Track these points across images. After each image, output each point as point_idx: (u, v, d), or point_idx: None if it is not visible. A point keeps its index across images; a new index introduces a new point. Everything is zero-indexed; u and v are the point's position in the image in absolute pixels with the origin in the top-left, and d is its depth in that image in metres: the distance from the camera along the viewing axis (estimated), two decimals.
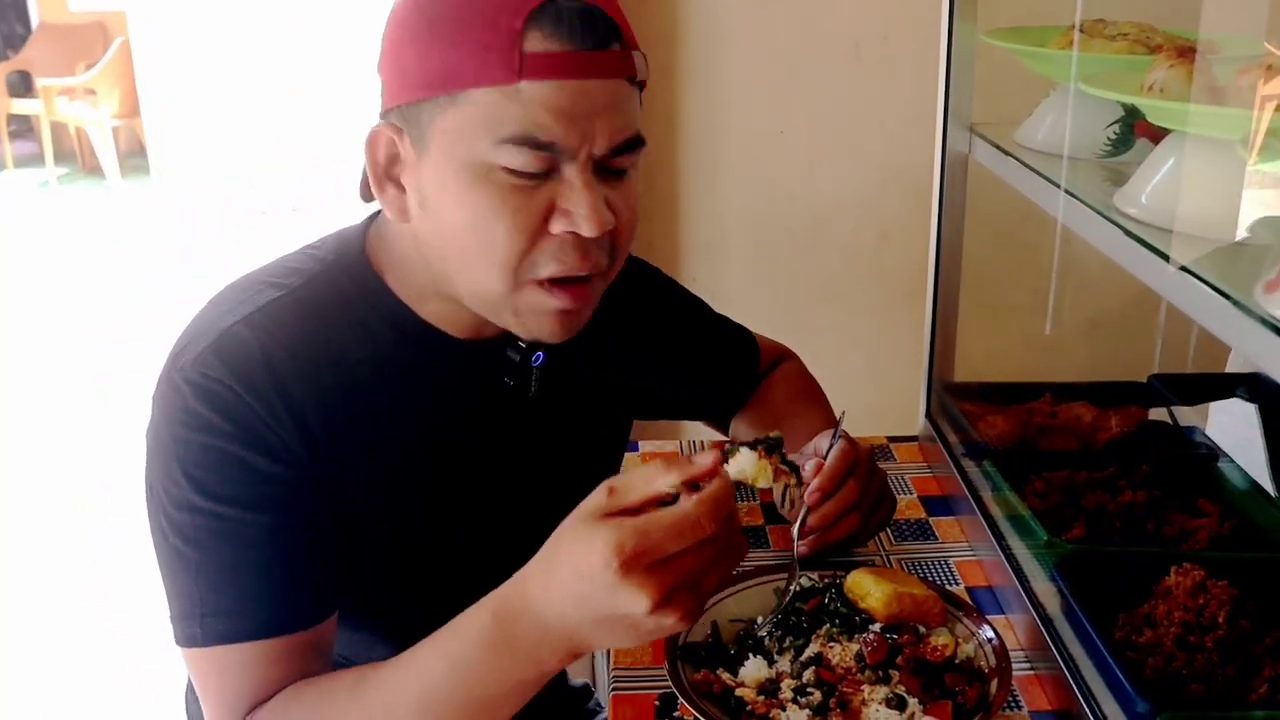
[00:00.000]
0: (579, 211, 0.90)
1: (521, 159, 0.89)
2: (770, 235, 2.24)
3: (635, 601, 0.78)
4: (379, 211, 1.04)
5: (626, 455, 1.53)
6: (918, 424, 1.60)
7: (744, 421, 1.40)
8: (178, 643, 0.95)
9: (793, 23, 2.07)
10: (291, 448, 0.93)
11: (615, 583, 0.78)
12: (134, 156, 7.51)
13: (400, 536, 1.03)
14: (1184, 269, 0.87)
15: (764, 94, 2.11)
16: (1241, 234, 0.86)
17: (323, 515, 0.97)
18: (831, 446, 1.14)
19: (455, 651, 0.87)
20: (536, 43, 0.87)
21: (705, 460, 0.82)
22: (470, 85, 0.88)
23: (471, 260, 0.93)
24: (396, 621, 1.05)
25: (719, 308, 1.40)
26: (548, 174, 0.90)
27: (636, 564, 0.78)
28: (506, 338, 1.04)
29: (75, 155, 7.76)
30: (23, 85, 7.83)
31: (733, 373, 1.39)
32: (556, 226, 0.92)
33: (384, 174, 0.95)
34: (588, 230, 0.91)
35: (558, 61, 0.88)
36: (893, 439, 1.60)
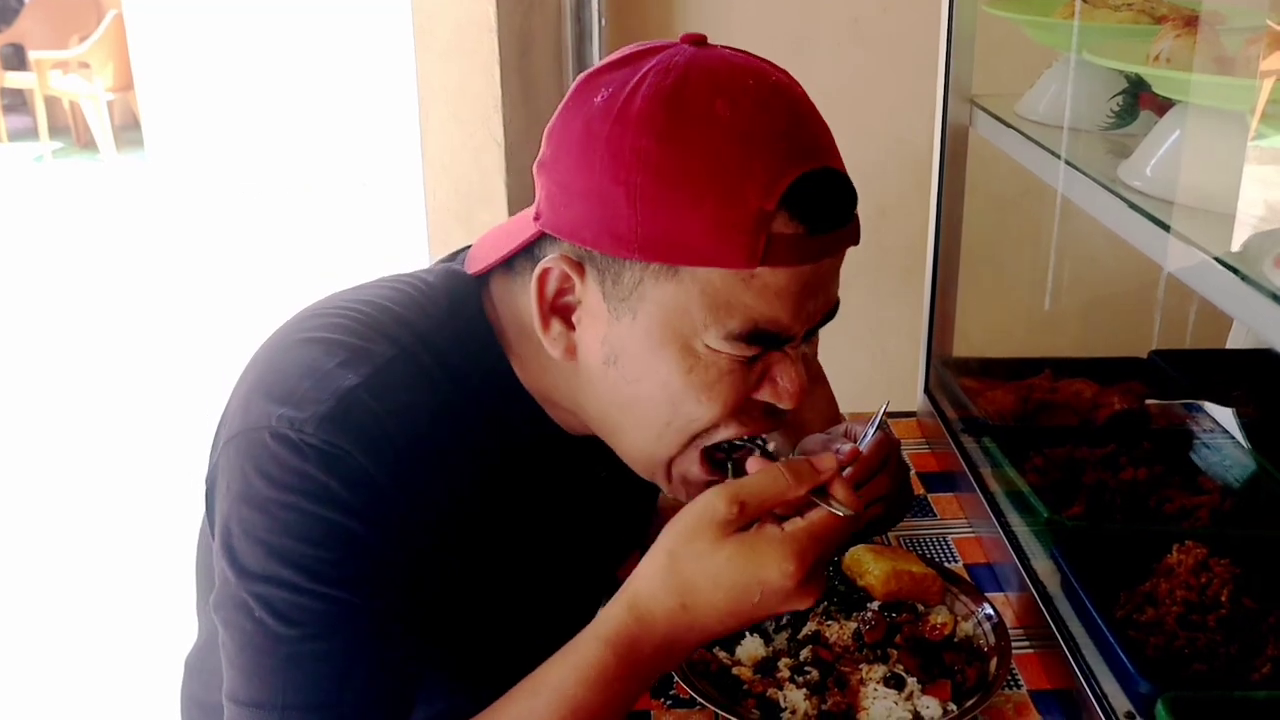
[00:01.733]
0: (787, 388, 0.83)
1: (746, 351, 0.81)
2: None
3: (804, 601, 0.80)
4: (494, 266, 0.91)
5: None
6: (916, 400, 1.59)
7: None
8: None
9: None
10: (411, 526, 0.84)
11: (792, 590, 0.79)
12: (129, 130, 7.47)
13: (478, 611, 0.96)
14: (1191, 243, 0.85)
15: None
16: (1252, 208, 0.84)
17: (418, 600, 0.87)
18: (868, 436, 1.08)
19: (577, 695, 0.82)
20: (784, 224, 0.77)
21: (826, 463, 0.82)
22: (700, 264, 0.77)
23: (653, 425, 0.85)
24: (457, 676, 0.98)
25: None
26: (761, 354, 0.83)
27: (814, 571, 0.80)
28: None
29: (69, 129, 7.72)
30: (16, 59, 7.77)
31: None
32: (761, 395, 0.84)
33: (550, 308, 0.84)
34: (790, 404, 0.84)
35: (802, 246, 0.77)
36: (890, 415, 1.58)
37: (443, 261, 0.97)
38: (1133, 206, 0.96)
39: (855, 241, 0.83)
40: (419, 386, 0.85)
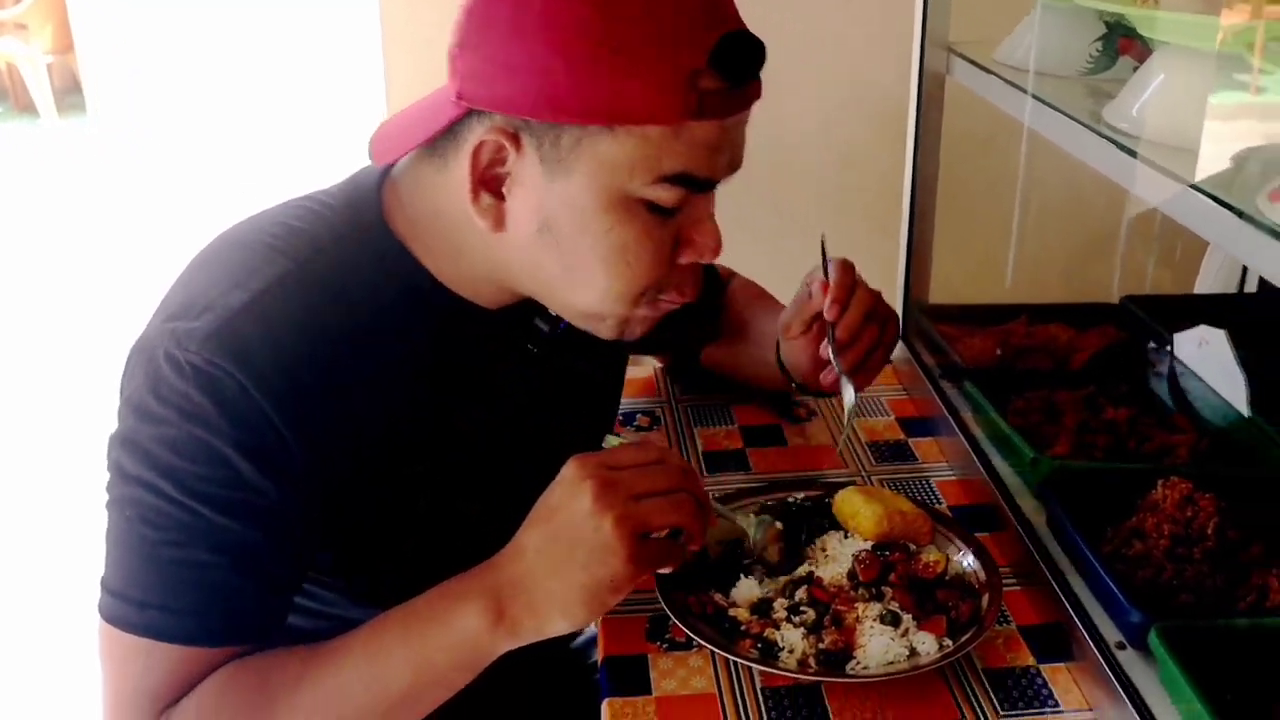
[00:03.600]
0: (706, 242, 0.91)
1: (673, 196, 0.86)
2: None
3: (579, 498, 0.83)
4: (389, 168, 0.97)
5: None
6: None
7: (722, 347, 1.41)
8: (103, 616, 0.88)
9: None
10: (289, 450, 0.86)
11: (570, 480, 0.85)
12: (70, 94, 7.32)
13: (402, 507, 0.98)
14: (1186, 182, 0.86)
15: None
16: (1254, 145, 0.86)
17: (306, 529, 0.91)
18: (827, 265, 1.13)
19: (404, 613, 0.88)
20: (710, 80, 0.83)
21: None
22: (639, 122, 0.83)
23: (595, 286, 0.90)
24: (377, 582, 1.01)
25: None
26: (681, 204, 0.88)
27: (589, 464, 0.85)
28: (530, 304, 1.00)
29: (7, 93, 7.53)
30: None
31: (706, 306, 1.38)
32: (684, 258, 0.92)
33: (480, 179, 0.88)
34: (712, 257, 0.92)
35: (725, 100, 0.85)
36: None
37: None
38: (1121, 147, 0.97)
39: (760, 95, 0.90)
40: (314, 302, 0.89)
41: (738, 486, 1.23)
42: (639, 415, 1.45)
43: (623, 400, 1.46)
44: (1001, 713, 0.96)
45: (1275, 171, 0.80)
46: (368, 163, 0.97)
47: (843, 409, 1.13)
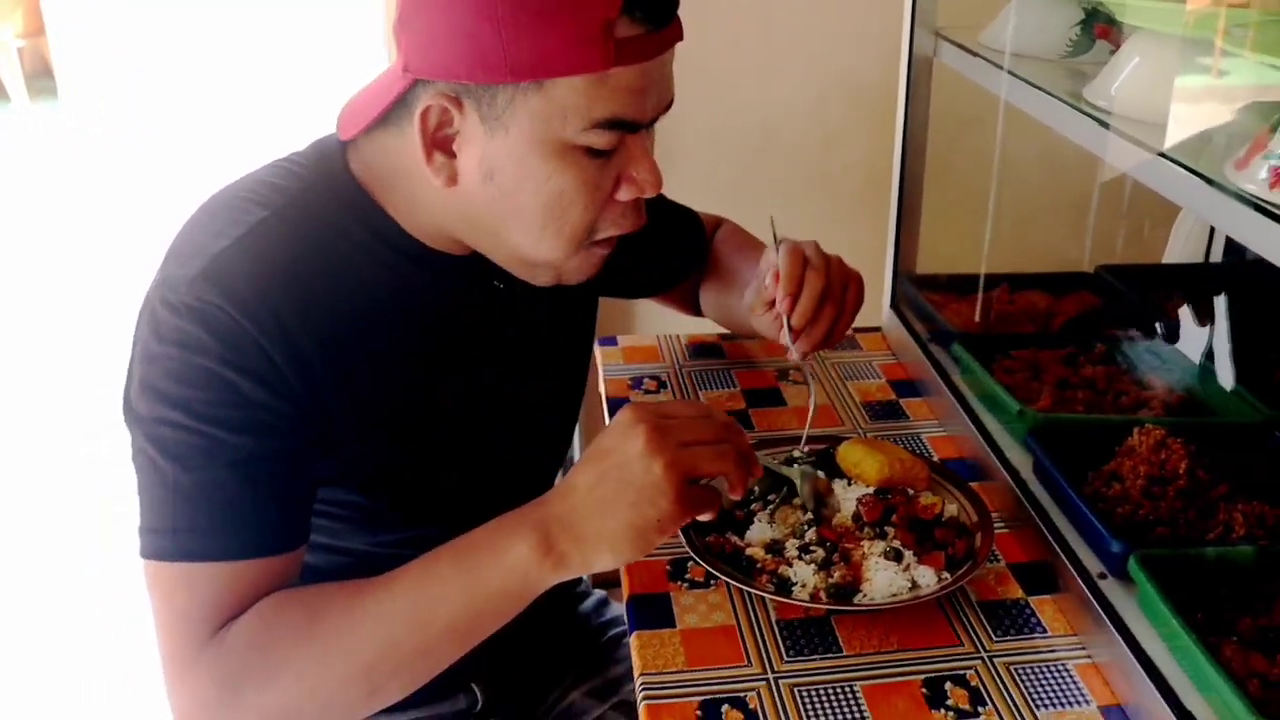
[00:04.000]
0: (645, 178, 0.98)
1: (605, 139, 0.93)
2: (719, 144, 2.30)
3: (633, 441, 0.90)
4: (371, 123, 1.03)
5: (606, 349, 1.62)
6: (879, 317, 1.70)
7: (709, 289, 1.49)
8: (143, 555, 0.95)
9: None
10: (282, 372, 0.95)
11: (625, 425, 0.91)
12: (40, 78, 7.29)
13: (390, 439, 1.06)
14: (1161, 154, 0.96)
15: (712, 4, 2.16)
16: (1220, 119, 0.95)
17: (306, 440, 0.98)
18: (777, 253, 1.20)
19: (457, 545, 0.94)
20: (624, 28, 0.89)
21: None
22: (563, 74, 0.89)
23: (541, 230, 0.97)
24: (374, 516, 1.10)
25: None
26: (616, 146, 0.95)
27: (644, 411, 0.92)
28: None
29: None
30: None
31: (687, 248, 1.47)
32: (624, 194, 0.98)
33: (432, 142, 0.95)
34: (654, 191, 0.99)
35: (643, 44, 0.91)
36: (857, 330, 1.69)
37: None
38: (1102, 124, 1.07)
39: (680, 37, 0.97)
40: (290, 241, 0.98)
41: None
42: (646, 379, 1.54)
43: (630, 365, 1.56)
44: (995, 638, 1.06)
45: (1239, 143, 0.90)
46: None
47: (808, 391, 1.21)
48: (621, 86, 0.91)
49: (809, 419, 1.23)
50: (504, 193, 0.96)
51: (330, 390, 0.98)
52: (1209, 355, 1.40)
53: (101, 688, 2.44)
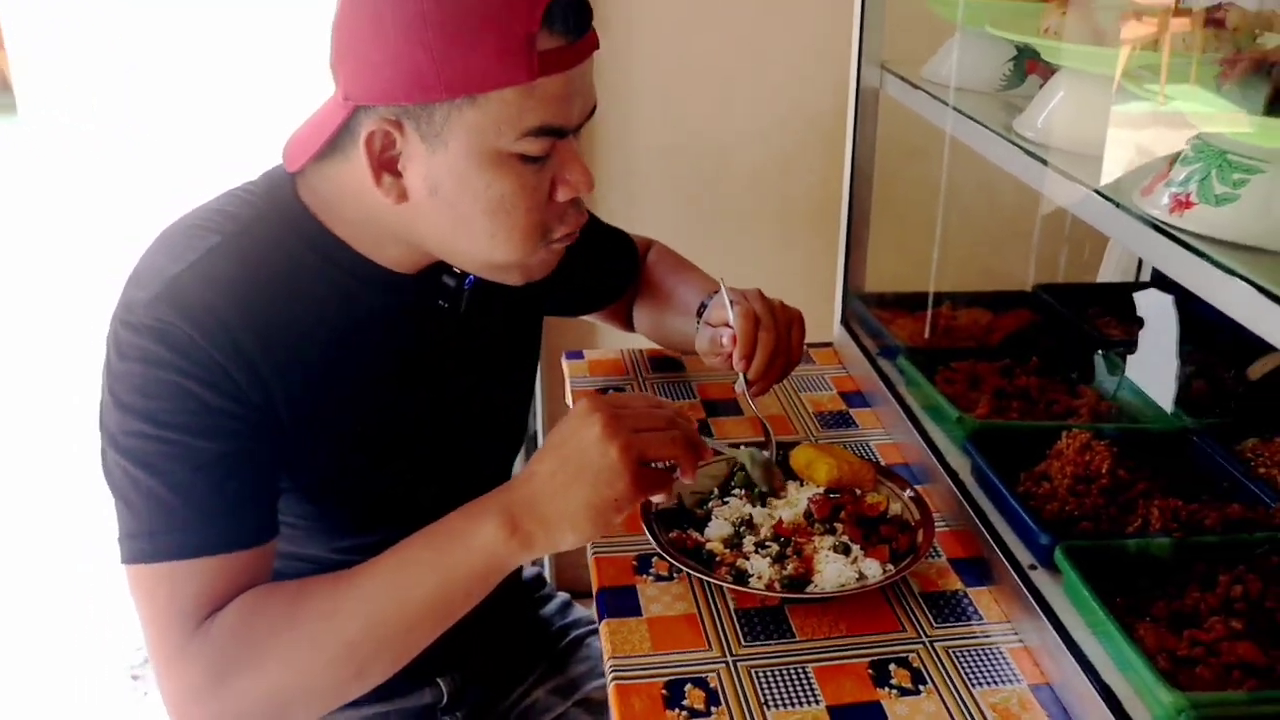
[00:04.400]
0: (578, 178, 1.05)
1: (537, 146, 1.00)
2: (679, 168, 2.40)
3: (589, 427, 0.99)
4: (318, 153, 1.09)
5: (573, 362, 1.70)
6: (831, 332, 1.80)
7: (643, 308, 1.58)
8: (123, 561, 1.00)
9: None
10: (239, 385, 1.01)
11: (581, 413, 1.00)
12: None
13: (341, 450, 1.13)
14: (1079, 181, 1.06)
15: (674, 34, 2.25)
16: (1130, 150, 1.06)
17: (265, 444, 1.04)
18: (731, 313, 1.31)
19: (427, 532, 1.02)
20: (546, 41, 0.96)
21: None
22: (493, 87, 0.96)
23: (491, 236, 1.04)
24: (332, 524, 1.17)
25: (633, 232, 1.59)
26: (548, 152, 1.03)
27: (599, 401, 1.01)
28: (440, 266, 1.15)
29: None
30: None
31: (621, 268, 1.56)
32: (562, 195, 1.06)
33: (379, 164, 1.02)
34: (588, 190, 1.06)
35: (563, 55, 0.98)
36: (810, 345, 1.79)
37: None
38: (1028, 153, 1.17)
39: (597, 45, 1.04)
40: (242, 264, 1.04)
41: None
42: (611, 390, 1.63)
43: (596, 377, 1.65)
44: (935, 625, 1.15)
45: (1146, 171, 1.00)
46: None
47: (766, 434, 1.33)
48: (548, 95, 0.98)
49: (769, 454, 1.32)
50: (449, 203, 1.02)
51: (283, 403, 1.05)
52: (1134, 368, 1.50)
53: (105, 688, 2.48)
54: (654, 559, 1.24)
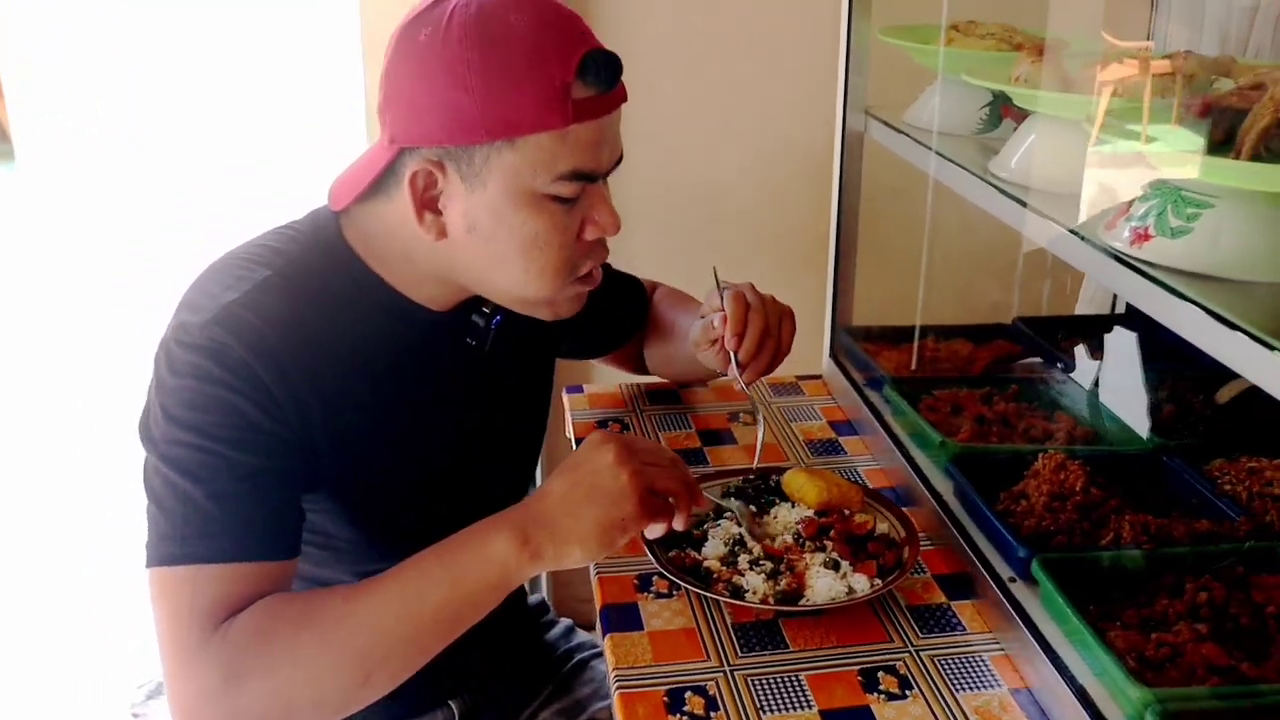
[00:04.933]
0: (606, 220, 1.14)
1: (569, 189, 1.09)
2: (672, 207, 2.48)
3: (603, 455, 1.06)
4: (363, 193, 1.17)
5: (573, 396, 1.78)
6: (820, 365, 1.87)
7: (652, 346, 1.65)
8: (150, 564, 1.05)
9: (697, 16, 2.31)
10: (283, 406, 1.08)
11: (596, 442, 1.08)
12: None
13: (372, 477, 1.20)
14: (1047, 217, 1.14)
15: (670, 79, 2.34)
16: (1095, 188, 1.14)
17: (298, 465, 1.11)
18: (722, 297, 1.36)
19: (441, 544, 1.08)
20: (579, 90, 1.05)
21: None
22: (530, 131, 1.04)
23: (524, 272, 1.12)
24: (353, 547, 1.23)
25: (629, 271, 1.66)
26: (579, 195, 1.12)
27: (611, 434, 1.08)
28: (469, 306, 1.24)
29: None
30: None
31: (630, 311, 1.63)
32: (590, 235, 1.14)
33: (421, 203, 1.10)
34: (614, 232, 1.15)
35: (595, 104, 1.07)
36: (800, 377, 1.87)
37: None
38: (1003, 192, 1.25)
39: (625, 98, 1.13)
40: (290, 296, 1.12)
41: (698, 474, 1.48)
42: (610, 422, 1.70)
43: (595, 410, 1.72)
44: (921, 635, 1.22)
45: (1110, 209, 1.08)
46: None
47: (754, 419, 1.38)
48: (580, 141, 1.07)
49: (758, 444, 1.39)
50: (486, 240, 1.11)
51: (319, 427, 1.13)
52: (1109, 393, 1.58)
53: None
54: (654, 577, 1.31)
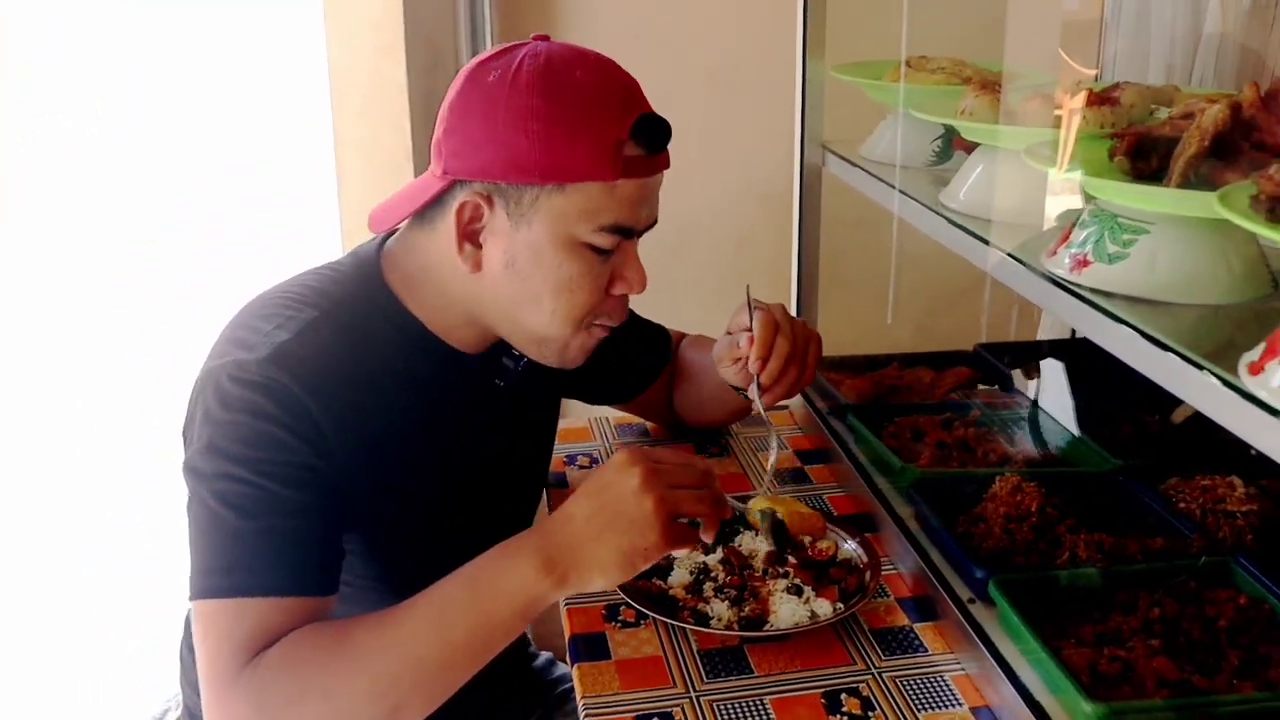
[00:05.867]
0: (634, 278, 1.20)
1: (608, 240, 1.14)
2: (641, 248, 2.51)
3: (628, 479, 1.05)
4: (386, 237, 1.25)
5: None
6: None
7: (680, 390, 1.67)
8: (193, 596, 1.07)
9: (656, 58, 2.35)
10: (330, 444, 1.11)
11: (622, 464, 1.06)
12: None
13: (406, 511, 1.24)
14: (992, 246, 1.18)
15: None
16: (1047, 220, 1.17)
17: (340, 503, 1.13)
18: (752, 317, 1.36)
19: (467, 572, 1.08)
20: (630, 149, 1.12)
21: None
22: (581, 179, 1.10)
23: (552, 313, 1.17)
24: (386, 581, 1.25)
25: None
26: (614, 249, 1.16)
27: (639, 454, 1.07)
28: (498, 349, 1.28)
29: None
30: None
31: (654, 363, 1.65)
32: (617, 289, 1.20)
33: (463, 234, 1.15)
34: (640, 290, 1.21)
35: (643, 164, 1.13)
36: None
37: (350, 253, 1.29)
38: (952, 223, 1.29)
39: (669, 165, 1.19)
40: (337, 338, 1.16)
41: None
42: (580, 456, 1.72)
43: (565, 444, 1.74)
44: (884, 658, 1.24)
45: (1052, 237, 1.12)
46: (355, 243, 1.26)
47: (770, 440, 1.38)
48: (624, 197, 1.13)
49: (771, 460, 1.35)
50: (521, 277, 1.15)
51: (360, 465, 1.15)
52: (1067, 416, 1.62)
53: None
54: (621, 607, 1.32)
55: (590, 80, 1.12)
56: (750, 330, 1.34)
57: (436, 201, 1.16)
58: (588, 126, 1.10)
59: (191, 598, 1.08)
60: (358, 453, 1.15)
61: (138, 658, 2.62)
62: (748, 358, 1.33)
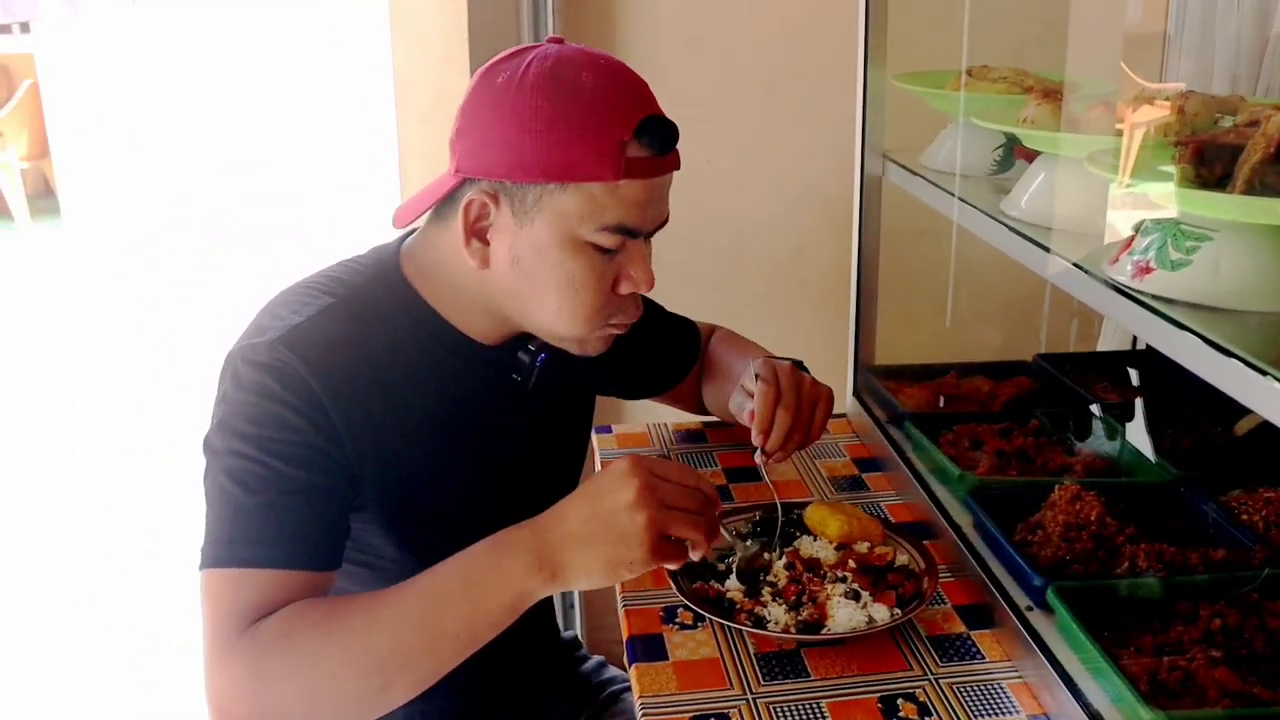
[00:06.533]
0: (641, 277, 1.21)
1: (611, 240, 1.16)
2: (700, 254, 2.52)
3: (624, 492, 1.06)
4: (407, 235, 1.29)
5: (602, 436, 1.81)
6: (844, 404, 1.90)
7: (707, 387, 1.68)
8: (202, 566, 1.11)
9: (716, 65, 2.37)
10: (336, 426, 1.15)
11: (621, 473, 1.08)
12: (41, 199, 7.55)
13: (416, 497, 1.26)
14: (1055, 254, 1.18)
15: (691, 128, 2.38)
16: (1109, 227, 1.17)
17: (345, 483, 1.17)
18: (755, 392, 1.40)
19: (460, 562, 1.11)
20: (634, 150, 1.13)
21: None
22: (583, 179, 1.12)
23: (558, 310, 1.19)
24: (408, 567, 1.22)
25: None
26: (619, 248, 1.18)
27: (640, 466, 1.09)
28: (517, 342, 1.30)
29: None
30: None
31: (679, 354, 1.67)
32: (624, 289, 1.21)
33: (471, 230, 1.17)
34: (647, 289, 1.22)
35: (647, 165, 1.15)
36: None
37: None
38: (1013, 230, 1.29)
39: (678, 166, 1.20)
40: (351, 323, 1.20)
41: (729, 506, 1.52)
42: None
43: (623, 450, 1.76)
44: (940, 664, 1.24)
45: (1114, 243, 1.12)
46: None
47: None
48: (628, 198, 1.14)
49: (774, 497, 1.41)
50: (527, 274, 1.18)
51: (368, 448, 1.19)
52: (1128, 428, 1.61)
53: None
54: (679, 609, 1.34)
55: (596, 82, 1.13)
56: (753, 397, 1.39)
57: (449, 198, 1.19)
58: (590, 127, 1.11)
59: (200, 567, 1.12)
60: (365, 434, 1.18)
61: (138, 658, 2.67)
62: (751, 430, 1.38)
